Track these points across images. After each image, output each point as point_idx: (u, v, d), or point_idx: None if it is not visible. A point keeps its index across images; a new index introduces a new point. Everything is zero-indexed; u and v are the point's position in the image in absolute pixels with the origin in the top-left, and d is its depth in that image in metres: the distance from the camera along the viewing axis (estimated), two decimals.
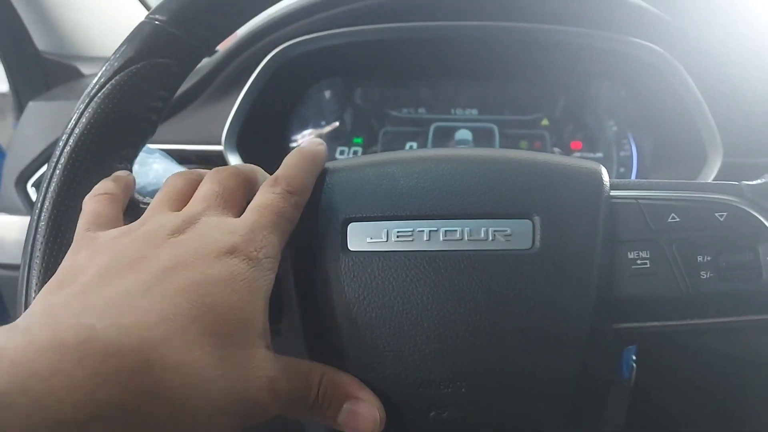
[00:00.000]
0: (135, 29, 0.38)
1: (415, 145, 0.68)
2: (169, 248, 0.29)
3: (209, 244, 0.29)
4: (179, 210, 0.32)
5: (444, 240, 0.33)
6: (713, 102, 0.53)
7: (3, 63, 0.79)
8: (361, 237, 0.33)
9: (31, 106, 0.69)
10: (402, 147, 0.69)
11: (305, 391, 0.31)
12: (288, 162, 0.35)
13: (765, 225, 0.33)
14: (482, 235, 0.33)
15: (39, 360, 0.23)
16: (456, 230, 0.33)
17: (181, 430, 0.26)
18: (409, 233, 0.33)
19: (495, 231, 0.33)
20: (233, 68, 0.64)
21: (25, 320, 0.26)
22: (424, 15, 0.62)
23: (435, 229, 0.33)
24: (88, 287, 0.28)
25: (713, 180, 0.53)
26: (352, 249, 0.33)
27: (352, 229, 0.34)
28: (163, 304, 0.27)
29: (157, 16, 0.37)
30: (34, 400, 0.22)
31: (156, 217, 0.32)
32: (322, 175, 0.36)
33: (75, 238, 0.33)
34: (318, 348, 0.33)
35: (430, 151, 0.38)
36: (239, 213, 0.32)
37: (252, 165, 0.36)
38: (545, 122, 0.66)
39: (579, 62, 0.62)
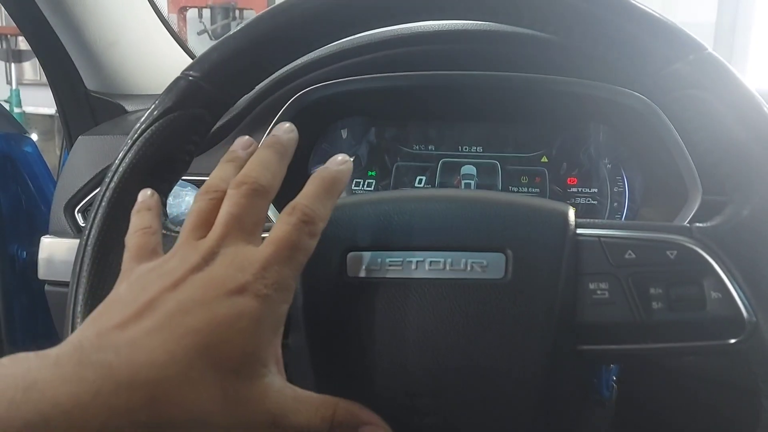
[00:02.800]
0: (172, 83, 0.42)
1: (424, 178, 0.73)
2: (186, 287, 0.31)
3: (221, 284, 0.31)
4: (204, 236, 0.33)
5: (429, 269, 0.37)
6: (693, 145, 0.57)
7: (56, 100, 0.85)
8: (358, 265, 0.38)
9: (80, 140, 0.75)
10: (412, 180, 0.74)
11: (315, 425, 0.32)
12: (306, 189, 0.35)
13: (709, 262, 0.36)
14: (462, 265, 0.37)
15: (61, 392, 0.26)
16: (439, 261, 0.37)
17: None
18: (399, 263, 0.37)
19: (473, 262, 0.37)
20: (261, 109, 0.70)
21: (57, 350, 0.28)
22: (434, 64, 0.68)
23: (421, 259, 0.37)
24: (116, 324, 0.30)
25: (693, 215, 0.57)
26: (350, 275, 0.38)
27: (351, 258, 0.38)
28: (172, 344, 0.29)
29: (191, 73, 0.42)
30: (54, 430, 0.25)
31: (182, 251, 0.33)
32: None
33: (122, 269, 0.35)
34: (319, 360, 0.37)
35: (420, 191, 0.43)
36: (257, 236, 0.34)
37: (266, 158, 0.36)
38: (544, 159, 0.71)
39: (574, 107, 0.67)
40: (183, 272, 0.31)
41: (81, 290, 0.39)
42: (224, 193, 0.35)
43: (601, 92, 0.63)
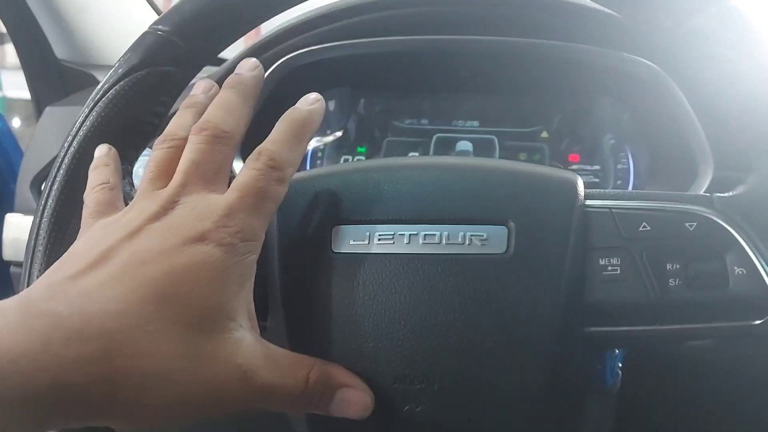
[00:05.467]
0: (139, 38, 0.39)
1: (417, 155, 0.70)
2: (143, 237, 0.30)
3: (180, 233, 0.29)
4: (165, 186, 0.32)
5: (423, 243, 0.34)
6: (705, 118, 0.54)
7: (24, 71, 0.81)
8: (345, 239, 0.35)
9: (48, 111, 0.71)
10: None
11: (289, 385, 0.31)
12: (274, 133, 0.34)
13: (733, 235, 0.34)
14: (459, 239, 0.34)
15: (7, 340, 0.25)
16: (435, 234, 0.34)
17: (142, 418, 0.27)
18: (390, 236, 0.34)
19: (472, 236, 0.34)
20: None
21: (3, 302, 0.27)
22: (427, 29, 0.64)
23: (415, 232, 0.34)
24: (68, 275, 0.28)
25: (704, 191, 0.53)
26: (335, 251, 0.35)
27: (337, 231, 0.35)
28: (127, 295, 0.27)
29: (160, 27, 0.38)
30: (3, 380, 0.24)
31: (140, 203, 0.32)
32: (311, 179, 0.37)
33: (81, 227, 0.34)
34: (300, 344, 0.34)
35: (413, 159, 0.40)
36: (220, 185, 0.32)
37: (229, 99, 0.34)
38: (545, 135, 0.67)
39: (577, 77, 0.63)
40: (140, 222, 0.30)
41: (36, 268, 0.36)
42: (184, 141, 0.33)
43: (606, 60, 0.59)
